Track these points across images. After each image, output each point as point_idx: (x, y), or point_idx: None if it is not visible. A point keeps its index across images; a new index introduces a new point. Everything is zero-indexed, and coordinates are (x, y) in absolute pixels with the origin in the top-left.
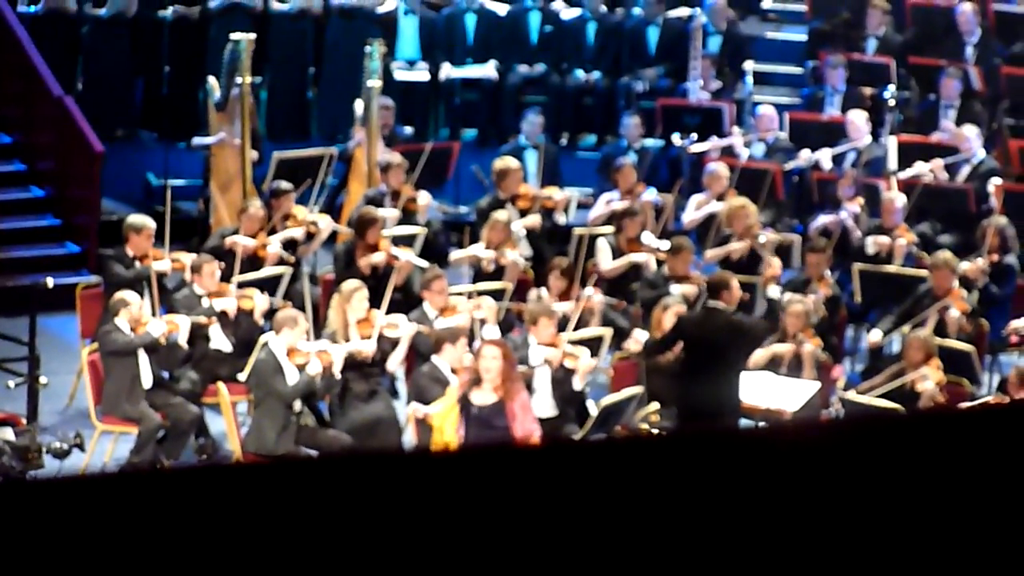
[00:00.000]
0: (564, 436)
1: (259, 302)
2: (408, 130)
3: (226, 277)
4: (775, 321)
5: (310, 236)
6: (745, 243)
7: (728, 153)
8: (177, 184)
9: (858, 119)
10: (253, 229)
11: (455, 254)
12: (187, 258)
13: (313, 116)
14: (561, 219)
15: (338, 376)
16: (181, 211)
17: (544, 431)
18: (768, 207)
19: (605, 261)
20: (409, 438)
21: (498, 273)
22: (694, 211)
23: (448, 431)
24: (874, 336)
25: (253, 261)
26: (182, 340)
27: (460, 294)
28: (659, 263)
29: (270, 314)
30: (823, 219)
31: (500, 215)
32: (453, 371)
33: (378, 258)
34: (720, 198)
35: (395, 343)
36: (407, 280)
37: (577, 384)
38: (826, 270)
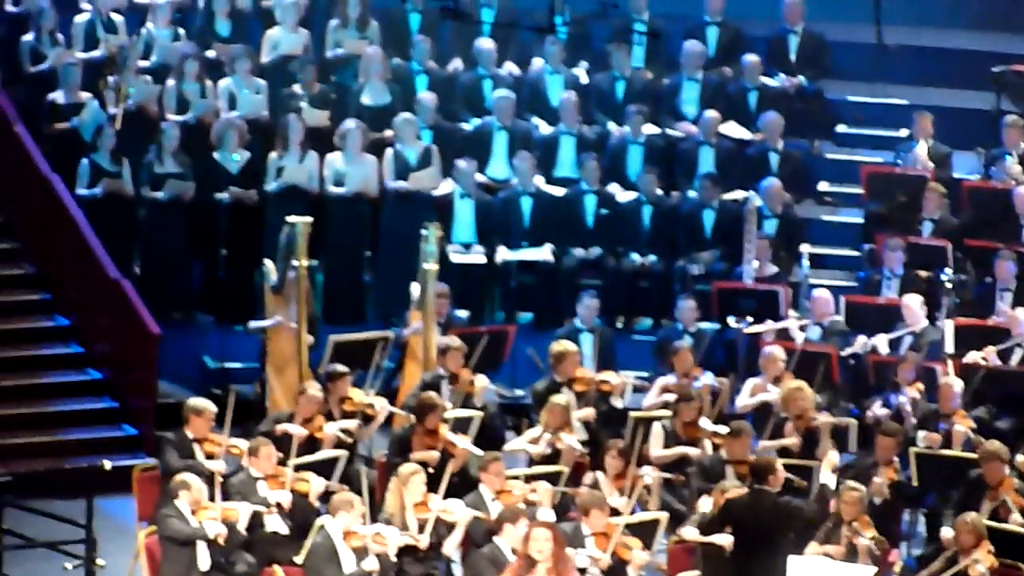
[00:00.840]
0: None
1: (315, 485)
2: (464, 315)
3: (284, 460)
4: (824, 504)
5: (367, 419)
6: (799, 436)
7: (783, 336)
8: (233, 367)
9: (913, 303)
10: (311, 412)
11: (511, 443)
12: (243, 443)
13: (369, 299)
14: (617, 403)
15: (393, 559)
16: (237, 394)
17: None
18: (824, 390)
19: (656, 448)
20: None
21: (554, 456)
22: (748, 396)
23: None
24: (946, 534)
25: (310, 443)
26: (240, 527)
27: (516, 477)
28: (715, 447)
29: (326, 497)
30: (877, 409)
31: (558, 399)
32: (513, 552)
33: (432, 456)
34: (776, 381)
35: (451, 527)
36: (464, 463)
37: (631, 575)
38: (894, 455)
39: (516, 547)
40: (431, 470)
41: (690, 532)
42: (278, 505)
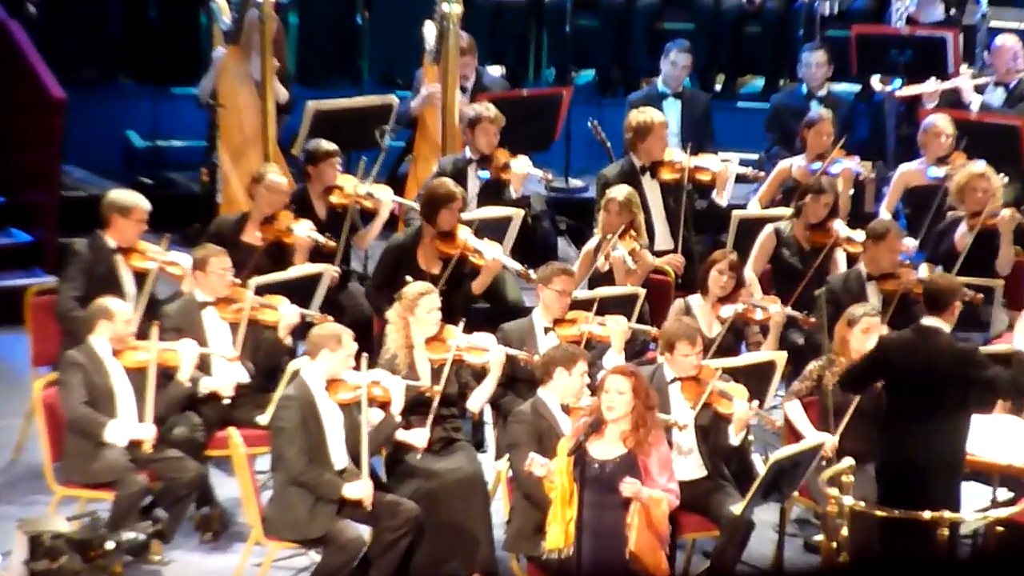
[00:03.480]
0: (717, 507)
1: (286, 314)
2: (498, 71)
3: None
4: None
5: (364, 218)
6: (972, 236)
7: (952, 102)
8: (171, 146)
9: None
10: (273, 207)
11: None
12: (185, 257)
13: (365, 50)
14: (721, 199)
15: (398, 418)
16: (177, 185)
17: (688, 498)
18: (1009, 178)
19: (759, 260)
20: (500, 506)
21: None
22: (895, 195)
23: (568, 494)
24: None
25: (276, 253)
26: (182, 376)
27: (585, 302)
28: (851, 260)
29: (303, 332)
30: None
31: (617, 192)
32: (564, 410)
33: (448, 248)
34: (940, 164)
35: (481, 373)
36: (495, 284)
37: (733, 437)
38: None
39: (568, 403)
40: (446, 287)
41: (794, 410)
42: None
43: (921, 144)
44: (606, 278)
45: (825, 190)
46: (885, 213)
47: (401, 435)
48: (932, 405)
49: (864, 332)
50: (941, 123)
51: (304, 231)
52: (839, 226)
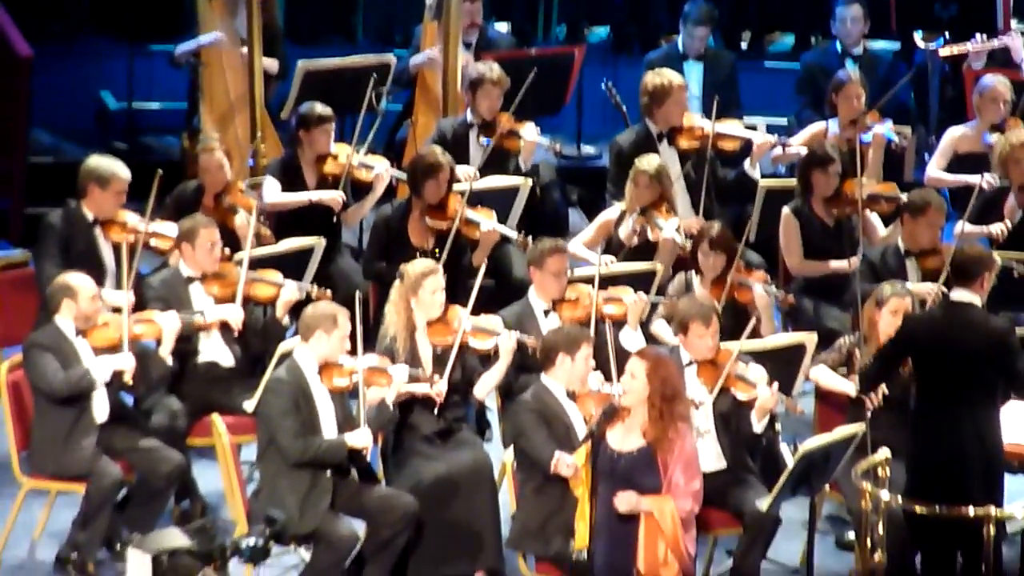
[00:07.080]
0: (741, 502)
1: (287, 292)
2: (505, 28)
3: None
4: None
5: (357, 190)
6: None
7: (1002, 62)
8: (148, 108)
9: None
10: (217, 185)
11: (575, 245)
12: (170, 228)
13: (359, 5)
14: (755, 170)
15: (392, 408)
16: (155, 150)
17: (709, 492)
18: None
19: (796, 250)
20: (506, 498)
21: (644, 251)
22: (942, 159)
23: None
24: None
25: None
26: (165, 351)
27: (586, 280)
28: (886, 218)
29: (296, 310)
30: None
31: (648, 163)
32: (571, 397)
33: (438, 222)
34: (995, 131)
35: (486, 357)
36: (500, 261)
37: (756, 424)
38: None
39: (575, 389)
40: (449, 266)
41: (822, 372)
42: (223, 324)
43: (976, 108)
44: (636, 254)
45: (831, 159)
46: (936, 171)
47: (415, 383)
48: (965, 387)
49: (893, 314)
50: (1001, 87)
51: (243, 219)
52: (857, 187)
